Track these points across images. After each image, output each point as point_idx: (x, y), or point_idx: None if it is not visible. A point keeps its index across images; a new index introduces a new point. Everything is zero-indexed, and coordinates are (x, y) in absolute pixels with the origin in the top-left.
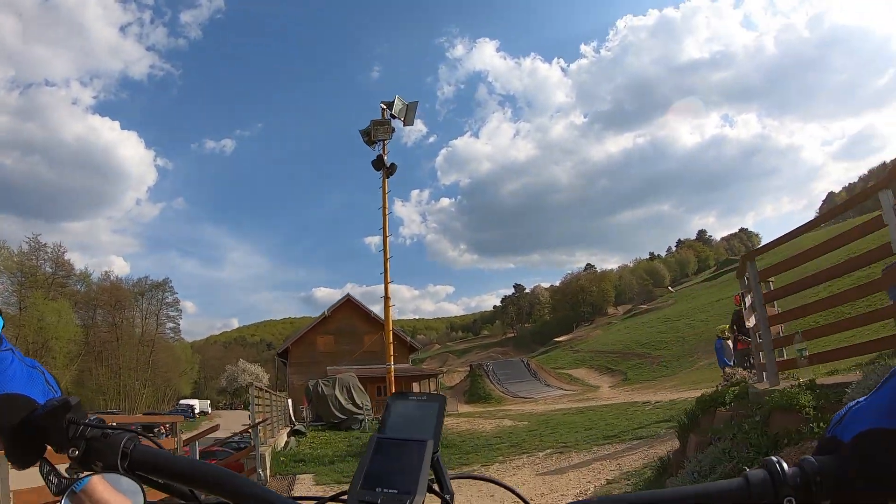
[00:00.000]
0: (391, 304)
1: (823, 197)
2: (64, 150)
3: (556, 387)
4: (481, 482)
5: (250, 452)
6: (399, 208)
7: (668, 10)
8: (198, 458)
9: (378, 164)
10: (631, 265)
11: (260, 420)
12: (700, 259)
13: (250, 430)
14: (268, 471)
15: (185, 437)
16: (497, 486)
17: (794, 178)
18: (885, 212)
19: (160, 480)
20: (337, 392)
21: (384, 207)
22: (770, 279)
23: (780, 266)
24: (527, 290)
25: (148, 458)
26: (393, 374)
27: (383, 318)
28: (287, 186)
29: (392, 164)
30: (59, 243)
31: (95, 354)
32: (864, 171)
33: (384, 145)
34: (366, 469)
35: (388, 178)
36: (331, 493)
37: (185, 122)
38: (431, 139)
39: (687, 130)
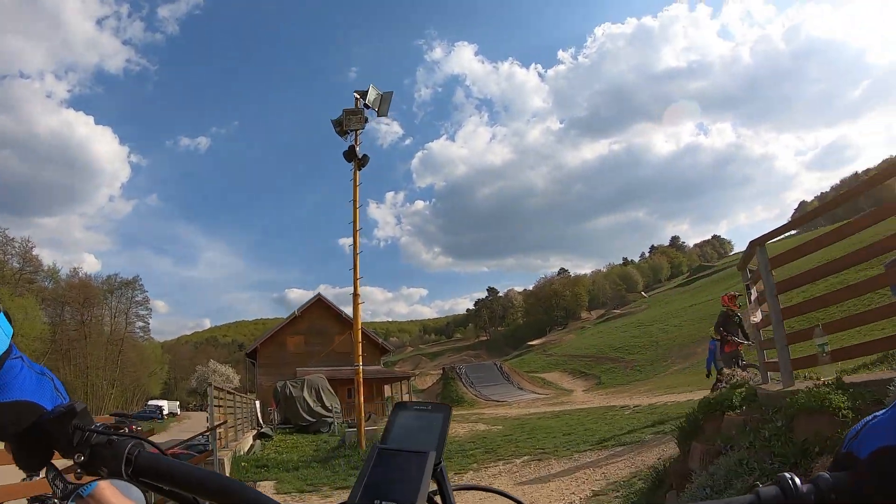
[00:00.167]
0: (360, 301)
1: (796, 206)
2: (37, 144)
3: (529, 390)
4: (485, 493)
5: (207, 458)
6: (373, 210)
7: (647, 19)
8: None
9: (349, 155)
10: (604, 270)
11: (219, 422)
12: (673, 265)
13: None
14: None
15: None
16: (503, 499)
17: (767, 186)
18: None
19: (164, 487)
20: (305, 394)
21: (355, 200)
22: (771, 272)
23: (793, 252)
24: (500, 294)
25: (152, 465)
26: (361, 375)
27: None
28: (262, 186)
29: (364, 156)
30: (28, 238)
31: (62, 353)
32: (836, 181)
33: (356, 136)
34: (365, 480)
35: (359, 169)
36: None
37: (160, 118)
38: (407, 141)
39: (662, 138)
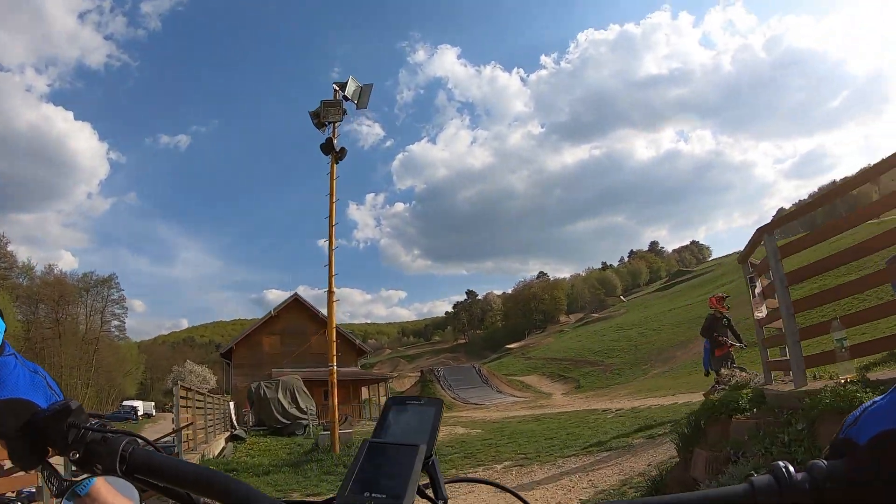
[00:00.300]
0: (335, 299)
1: (773, 213)
2: (15, 139)
3: (507, 393)
4: (474, 485)
5: None
6: (353, 211)
7: (629, 26)
8: None
9: (327, 147)
10: (584, 274)
11: (185, 424)
12: (652, 270)
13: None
14: None
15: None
16: (493, 489)
17: (745, 193)
18: None
19: (158, 483)
20: (280, 395)
21: (331, 194)
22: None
23: (807, 240)
24: (479, 297)
25: (146, 462)
26: (336, 376)
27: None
28: (242, 185)
29: (342, 149)
30: (2, 234)
31: (36, 352)
32: (814, 188)
33: (334, 128)
34: (355, 474)
35: (336, 163)
36: (313, 499)
37: (140, 115)
38: (388, 143)
39: (643, 144)
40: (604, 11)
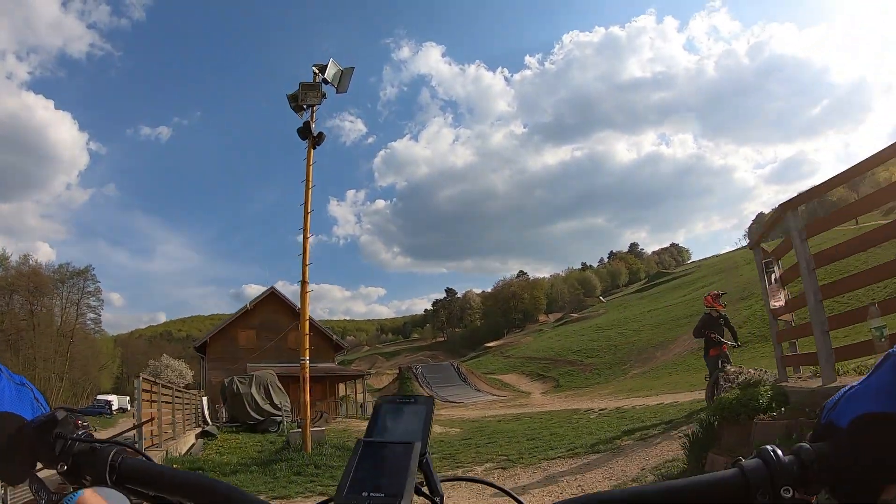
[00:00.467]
0: (309, 290)
1: (753, 217)
2: None
3: (486, 392)
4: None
5: None
6: (334, 207)
7: (614, 29)
8: None
9: (304, 131)
10: (563, 274)
11: (147, 419)
12: (631, 271)
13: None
14: None
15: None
16: (486, 487)
17: (725, 198)
18: None
19: (150, 493)
20: (253, 391)
21: (308, 180)
22: (778, 259)
23: (834, 217)
24: (458, 295)
25: (136, 471)
26: (308, 371)
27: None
28: (223, 179)
29: (320, 133)
30: None
31: (10, 343)
32: (793, 194)
33: (313, 112)
34: (352, 474)
35: (314, 148)
36: (310, 502)
37: (121, 105)
38: (370, 140)
39: (625, 147)
40: (589, 14)
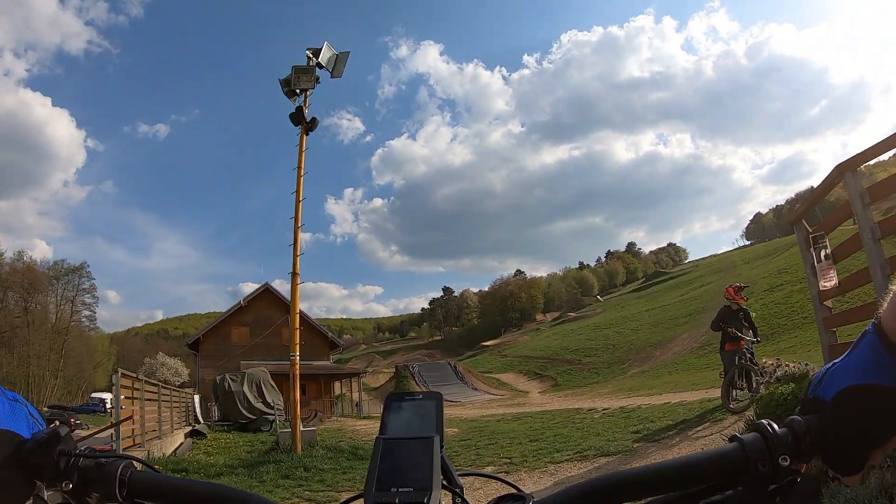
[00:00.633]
0: (299, 281)
1: (751, 217)
2: None
3: (483, 391)
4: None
5: None
6: (331, 206)
7: (613, 29)
8: None
9: (296, 116)
10: (561, 273)
11: (124, 417)
12: (629, 270)
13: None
14: None
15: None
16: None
17: (723, 198)
18: None
19: None
20: (245, 389)
21: (299, 167)
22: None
23: None
24: (456, 294)
25: (147, 485)
26: (298, 367)
27: (292, 299)
28: (220, 176)
29: (313, 119)
30: None
31: (4, 340)
32: (791, 194)
33: (306, 97)
34: (377, 471)
35: (307, 134)
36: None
37: (119, 103)
38: (368, 138)
39: (623, 146)
40: (587, 13)
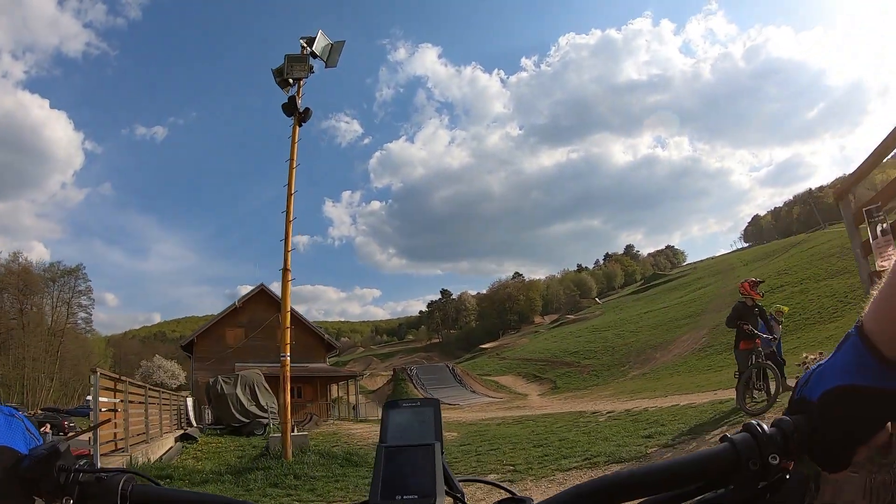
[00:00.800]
0: (291, 278)
1: (749, 220)
2: None
3: (482, 394)
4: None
5: None
6: (329, 208)
7: (611, 31)
8: None
9: (289, 107)
10: (559, 276)
11: (104, 420)
12: (627, 273)
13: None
14: None
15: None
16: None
17: (721, 200)
18: None
19: None
20: (239, 391)
21: (292, 159)
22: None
23: None
24: (454, 297)
25: (149, 498)
26: (289, 367)
27: (285, 299)
28: (218, 179)
29: (306, 109)
30: None
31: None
32: (789, 197)
33: (299, 86)
34: (381, 479)
35: (300, 125)
36: None
37: (117, 105)
38: (366, 140)
39: (621, 149)
40: (585, 16)
